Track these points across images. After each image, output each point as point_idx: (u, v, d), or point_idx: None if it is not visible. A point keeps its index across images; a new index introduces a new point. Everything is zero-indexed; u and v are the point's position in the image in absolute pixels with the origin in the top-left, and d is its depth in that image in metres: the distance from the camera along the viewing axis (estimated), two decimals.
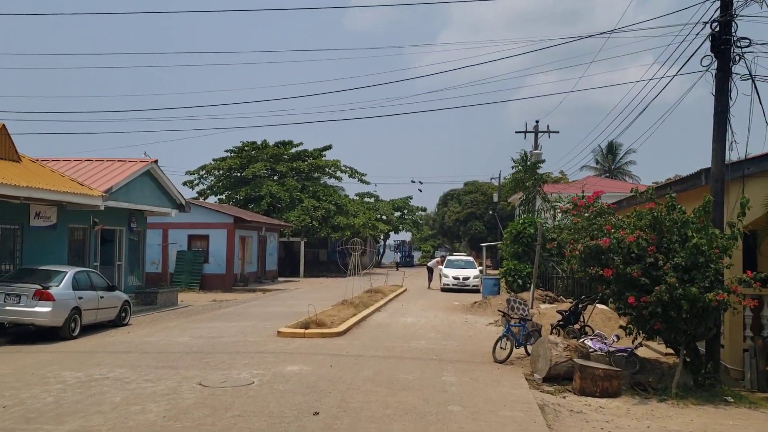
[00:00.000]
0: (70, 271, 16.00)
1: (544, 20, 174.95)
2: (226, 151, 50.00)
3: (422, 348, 14.21)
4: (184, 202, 25.57)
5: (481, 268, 34.15)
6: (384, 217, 62.64)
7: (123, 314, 18.14)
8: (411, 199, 67.42)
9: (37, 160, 19.65)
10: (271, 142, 50.07)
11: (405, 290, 30.97)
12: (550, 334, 16.40)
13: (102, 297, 16.88)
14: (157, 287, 24.73)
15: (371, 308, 21.16)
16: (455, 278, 31.59)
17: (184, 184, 49.82)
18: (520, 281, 24.32)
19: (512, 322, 13.66)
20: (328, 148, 51.39)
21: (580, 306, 16.22)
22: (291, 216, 44.61)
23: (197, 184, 49.90)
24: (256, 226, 37.43)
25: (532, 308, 19.18)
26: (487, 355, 13.36)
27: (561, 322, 16.30)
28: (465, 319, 20.27)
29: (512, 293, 23.54)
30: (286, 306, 23.51)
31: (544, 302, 23.48)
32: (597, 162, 72.45)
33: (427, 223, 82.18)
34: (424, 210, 71.73)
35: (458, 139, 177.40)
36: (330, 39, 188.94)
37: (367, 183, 52.80)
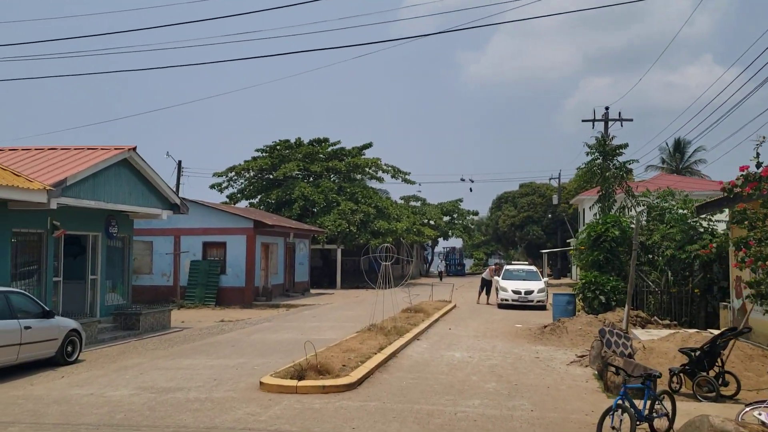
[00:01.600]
0: None
1: (599, 22, 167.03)
2: (257, 150, 45.58)
3: (476, 417, 8.92)
4: (178, 202, 20.84)
5: (546, 279, 28.54)
6: (432, 222, 57.30)
7: (69, 348, 13.39)
8: (461, 202, 61.92)
9: None
10: (306, 140, 45.44)
11: (454, 307, 25.63)
12: (670, 384, 10.94)
13: (28, 328, 12.13)
14: (146, 306, 20.06)
15: (407, 336, 15.95)
16: (515, 292, 26.07)
17: (212, 187, 45.63)
18: (602, 298, 18.75)
19: (629, 381, 8.22)
20: (368, 146, 46.43)
21: (720, 342, 10.69)
22: (326, 221, 39.73)
23: (226, 188, 45.59)
24: (282, 231, 32.61)
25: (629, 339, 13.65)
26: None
27: (687, 367, 10.82)
28: (535, 352, 14.85)
29: (598, 317, 17.98)
30: (302, 331, 18.50)
31: (633, 325, 17.92)
32: (663, 161, 66.01)
33: (479, 228, 76.49)
34: (476, 214, 66.05)
35: (512, 139, 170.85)
36: (377, 47, 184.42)
37: (412, 183, 47.53)
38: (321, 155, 45.31)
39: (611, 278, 19.11)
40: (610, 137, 37.01)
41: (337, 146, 45.73)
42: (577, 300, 20.12)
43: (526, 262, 38.16)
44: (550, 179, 68.91)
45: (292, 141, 45.24)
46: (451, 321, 21.19)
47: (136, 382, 11.23)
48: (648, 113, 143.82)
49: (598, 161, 23.05)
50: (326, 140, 45.69)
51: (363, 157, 45.36)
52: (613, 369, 9.03)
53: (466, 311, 24.91)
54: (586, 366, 13.00)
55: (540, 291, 26.12)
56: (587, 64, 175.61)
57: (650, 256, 20.78)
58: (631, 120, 37.24)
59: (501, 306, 26.37)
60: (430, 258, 67.46)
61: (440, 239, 62.41)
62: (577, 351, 14.94)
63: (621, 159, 23.09)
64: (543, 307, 25.98)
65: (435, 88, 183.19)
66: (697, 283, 19.26)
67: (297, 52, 37.81)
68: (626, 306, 15.57)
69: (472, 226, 66.08)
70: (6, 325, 11.68)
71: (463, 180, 58.99)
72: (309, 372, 10.46)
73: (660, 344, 13.20)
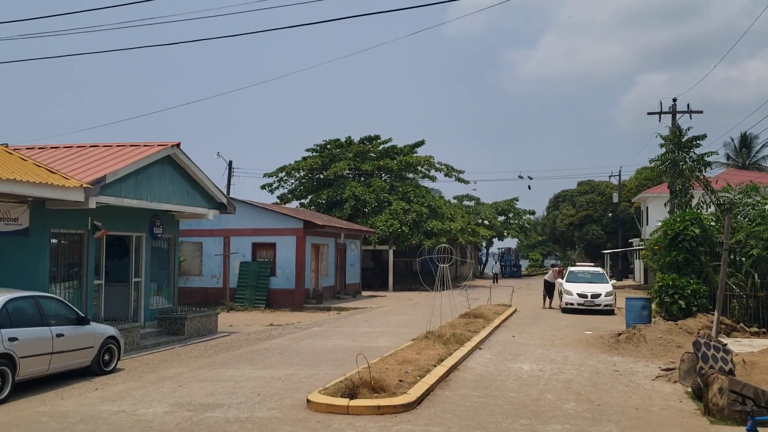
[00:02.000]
0: None
1: (654, 18, 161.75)
2: (307, 150, 44.86)
3: None
4: (225, 201, 19.95)
5: (613, 281, 26.71)
6: (486, 222, 55.63)
7: (106, 357, 12.52)
8: (517, 201, 59.99)
9: (7, 147, 14.43)
10: (356, 138, 44.45)
11: (515, 311, 24.11)
12: None
13: (60, 335, 11.27)
14: (192, 310, 19.15)
15: (467, 345, 14.59)
16: (581, 295, 24.38)
17: (262, 188, 45.17)
18: (682, 303, 16.99)
19: (757, 413, 6.73)
20: (420, 143, 45.15)
21: None
22: (378, 221, 38.60)
23: (276, 188, 44.98)
24: (333, 232, 31.60)
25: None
26: None
27: None
28: (612, 364, 13.31)
29: (678, 323, 16.26)
30: (353, 337, 17.34)
31: (718, 333, 16.14)
32: (728, 157, 62.72)
33: (534, 228, 74.24)
34: (533, 213, 63.96)
35: (566, 137, 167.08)
36: (429, 46, 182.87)
37: (465, 182, 46.02)
38: (372, 154, 44.26)
39: (692, 280, 17.35)
40: (685, 129, 34.94)
41: (389, 144, 44.60)
42: (653, 304, 18.39)
43: (592, 264, 36.15)
44: (609, 177, 66.51)
45: (343, 140, 44.35)
46: (514, 327, 19.73)
47: (173, 396, 10.22)
48: (707, 109, 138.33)
49: (672, 154, 21.17)
50: (377, 138, 44.60)
51: (415, 155, 44.10)
52: (737, 398, 7.48)
53: (528, 316, 23.37)
54: (675, 381, 11.44)
55: (607, 294, 24.37)
56: (642, 61, 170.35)
57: (732, 257, 18.91)
58: (701, 112, 34.98)
59: (565, 310, 24.73)
60: (484, 259, 65.66)
61: (495, 239, 60.58)
62: (659, 363, 13.35)
63: (698, 151, 21.19)
64: (611, 312, 24.26)
65: (486, 86, 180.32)
66: None
67: (347, 18, 36.66)
68: (716, 312, 13.89)
69: (528, 226, 63.98)
70: (36, 332, 10.82)
71: (521, 177, 56.87)
72: (362, 389, 9.24)
73: (762, 358, 11.54)
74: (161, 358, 14.52)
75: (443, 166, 44.66)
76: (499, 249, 67.02)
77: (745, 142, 61.33)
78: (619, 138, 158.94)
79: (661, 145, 21.48)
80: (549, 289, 27.02)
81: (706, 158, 20.98)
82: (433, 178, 45.51)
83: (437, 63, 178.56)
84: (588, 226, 66.40)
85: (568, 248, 76.89)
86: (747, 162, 61.62)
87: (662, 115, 35.74)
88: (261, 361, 13.59)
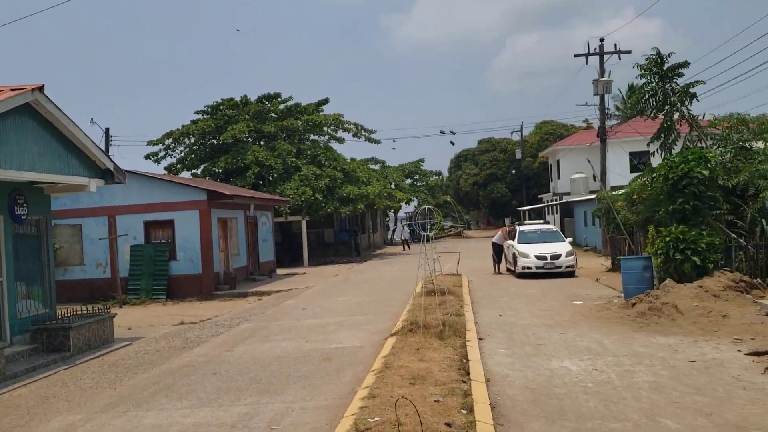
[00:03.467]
0: None
1: None
2: (197, 112, 39.45)
3: None
4: (111, 167, 15.05)
5: (570, 239, 23.96)
6: (393, 186, 52.37)
7: None
8: (423, 162, 57.04)
9: None
10: (253, 98, 39.53)
11: (470, 282, 20.82)
12: None
13: None
14: (78, 315, 14.25)
15: (471, 338, 11.00)
16: (539, 257, 21.43)
17: (147, 157, 39.22)
18: (696, 259, 14.15)
19: None
20: (325, 102, 40.80)
21: None
22: (287, 189, 34.17)
23: (163, 157, 39.31)
24: (242, 203, 27.01)
25: None
26: None
27: None
28: (673, 350, 10.07)
29: (694, 284, 13.37)
30: (302, 334, 13.30)
31: (741, 293, 13.50)
32: (617, 109, 62.61)
33: (438, 190, 72.07)
34: (438, 174, 61.39)
35: (452, 98, 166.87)
36: (308, 16, 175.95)
37: (377, 142, 42.15)
38: (273, 114, 39.55)
39: (703, 232, 14.55)
40: (603, 76, 32.65)
41: (291, 103, 40.00)
42: (655, 263, 15.45)
43: (541, 221, 33.66)
44: (512, 132, 65.15)
45: (238, 99, 39.30)
46: (487, 303, 16.36)
47: None
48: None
49: (652, 84, 18.22)
50: (278, 96, 39.87)
51: (321, 113, 39.80)
52: None
53: (487, 286, 20.15)
54: None
55: (568, 254, 21.59)
56: (514, 22, 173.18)
57: (729, 202, 16.33)
58: (630, 52, 33.14)
59: (522, 276, 21.72)
60: (393, 225, 62.56)
61: (403, 204, 57.53)
62: (722, 342, 10.30)
63: (680, 81, 18.34)
64: (572, 274, 21.54)
65: (370, 51, 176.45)
66: None
67: None
68: None
69: (437, 187, 61.51)
70: None
71: (443, 132, 54.44)
72: None
73: None
74: (39, 394, 9.94)
75: (352, 126, 40.62)
76: (406, 213, 64.12)
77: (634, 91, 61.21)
78: (506, 98, 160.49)
79: (641, 75, 18.45)
80: (498, 252, 23.99)
81: (690, 90, 18.21)
82: (340, 140, 41.31)
83: (323, 29, 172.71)
84: (492, 184, 64.96)
85: (472, 208, 75.44)
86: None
87: (589, 57, 33.69)
88: (191, 391, 9.33)
